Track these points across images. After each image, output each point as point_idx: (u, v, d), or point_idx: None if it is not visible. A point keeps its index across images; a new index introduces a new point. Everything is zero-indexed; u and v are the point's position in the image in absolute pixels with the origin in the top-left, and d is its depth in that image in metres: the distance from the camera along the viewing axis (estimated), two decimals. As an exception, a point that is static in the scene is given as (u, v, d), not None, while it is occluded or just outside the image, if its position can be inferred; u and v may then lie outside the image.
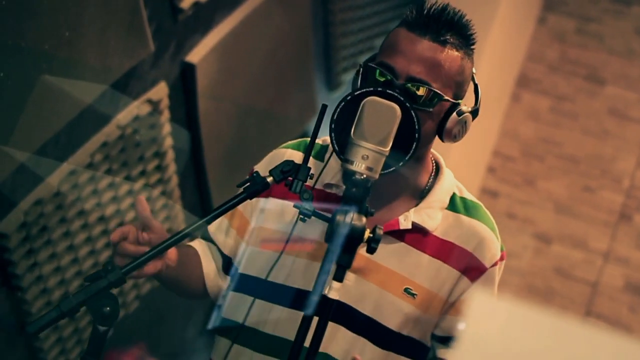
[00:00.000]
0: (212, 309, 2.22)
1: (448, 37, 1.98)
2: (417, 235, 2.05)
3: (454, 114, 1.99)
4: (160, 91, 3.18)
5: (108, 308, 1.76)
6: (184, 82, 3.34)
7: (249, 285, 2.11)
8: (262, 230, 2.10)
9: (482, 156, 5.25)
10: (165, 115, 3.24)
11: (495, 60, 4.83)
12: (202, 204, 3.73)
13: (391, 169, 1.83)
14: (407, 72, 1.94)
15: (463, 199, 2.13)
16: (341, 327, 2.04)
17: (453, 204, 2.11)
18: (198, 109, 3.43)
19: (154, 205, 3.36)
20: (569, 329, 0.99)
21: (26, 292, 2.87)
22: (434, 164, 2.16)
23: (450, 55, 1.99)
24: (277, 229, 2.08)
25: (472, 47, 2.06)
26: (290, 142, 2.20)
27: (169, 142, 3.30)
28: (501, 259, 2.12)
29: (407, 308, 2.03)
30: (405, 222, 2.04)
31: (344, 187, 1.94)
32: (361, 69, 2.00)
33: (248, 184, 1.87)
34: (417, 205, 2.07)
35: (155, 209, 3.36)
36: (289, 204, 1.92)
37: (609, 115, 5.18)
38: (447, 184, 2.12)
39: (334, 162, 2.05)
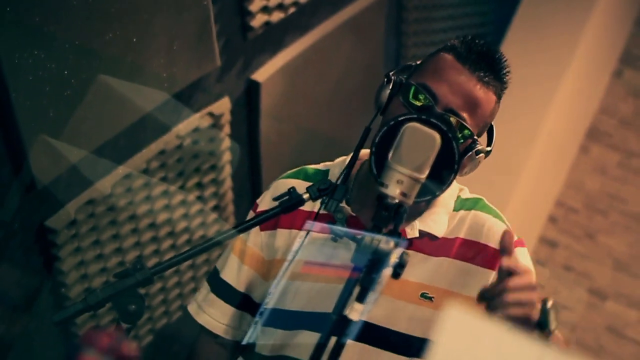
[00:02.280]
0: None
1: (491, 78, 1.98)
2: (426, 241, 2.05)
3: (472, 152, 1.99)
4: (223, 106, 3.22)
5: (133, 306, 1.77)
6: (248, 99, 3.37)
7: (274, 318, 2.12)
8: (276, 262, 2.11)
9: (544, 205, 5.19)
10: (226, 130, 3.27)
11: (566, 110, 4.79)
12: (256, 222, 3.75)
13: (426, 198, 1.83)
14: (447, 102, 1.93)
15: (465, 199, 2.13)
16: (360, 344, 2.03)
17: (456, 206, 2.11)
18: (260, 127, 3.45)
19: (206, 218, 3.38)
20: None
21: (70, 289, 2.91)
22: None
23: (490, 97, 1.99)
24: (297, 259, 2.08)
25: (504, 91, 2.06)
26: (289, 172, 2.22)
27: (227, 156, 3.33)
28: (520, 244, 2.07)
29: (425, 312, 2.02)
30: (412, 231, 2.03)
31: (348, 208, 1.96)
32: (392, 80, 2.00)
33: (285, 197, 1.89)
34: (422, 213, 2.07)
35: (207, 222, 3.39)
36: (297, 233, 1.94)
37: (677, 174, 5.11)
38: (450, 189, 2.11)
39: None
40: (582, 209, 5.23)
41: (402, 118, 1.85)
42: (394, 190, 1.69)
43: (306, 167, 2.19)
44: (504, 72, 2.03)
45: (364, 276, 1.65)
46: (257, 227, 2.12)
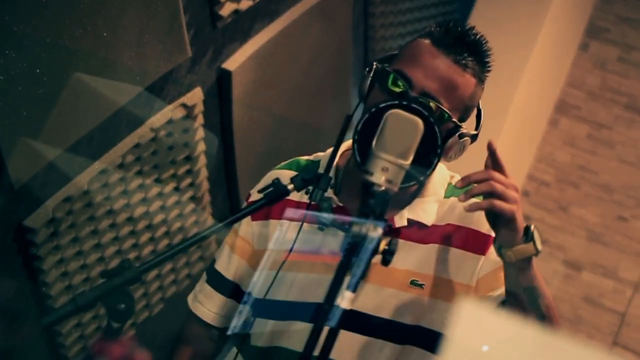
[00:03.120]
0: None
1: (469, 61, 1.99)
2: (415, 229, 2.07)
3: (456, 135, 2.01)
4: (195, 96, 3.21)
5: (123, 305, 1.77)
6: (220, 88, 3.36)
7: (263, 308, 2.13)
8: (268, 252, 2.12)
9: (516, 180, 5.22)
10: (199, 120, 3.26)
11: (535, 84, 4.81)
12: (232, 211, 3.75)
13: (411, 183, 1.84)
14: (422, 86, 1.95)
15: (456, 186, 2.15)
16: (350, 333, 2.04)
17: (447, 193, 2.13)
18: (232, 116, 3.44)
19: (183, 209, 3.38)
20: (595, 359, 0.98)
21: (51, 287, 2.90)
22: None
23: (468, 80, 2.00)
24: (283, 249, 2.09)
25: (487, 74, 2.07)
26: (282, 163, 2.27)
27: (201, 147, 3.32)
28: None
29: (415, 299, 2.04)
30: (400, 220, 2.06)
31: (336, 199, 1.97)
32: (373, 70, 2.02)
33: (269, 189, 1.89)
34: (411, 201, 2.09)
35: (184, 213, 3.38)
36: (289, 224, 1.95)
37: (646, 144, 5.15)
38: (440, 177, 2.14)
39: None
40: (554, 182, 5.27)
41: (383, 105, 1.86)
42: (379, 178, 1.70)
43: (299, 158, 2.21)
44: (484, 54, 2.04)
45: (354, 264, 1.66)
46: (249, 217, 2.15)
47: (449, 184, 2.16)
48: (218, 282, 2.26)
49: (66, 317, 1.76)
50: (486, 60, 2.06)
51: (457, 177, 2.18)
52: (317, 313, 1.66)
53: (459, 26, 2.02)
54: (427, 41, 2.02)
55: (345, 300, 1.66)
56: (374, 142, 1.72)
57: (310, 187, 1.89)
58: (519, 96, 4.64)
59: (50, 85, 2.56)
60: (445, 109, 1.97)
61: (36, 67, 2.49)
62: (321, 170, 2.08)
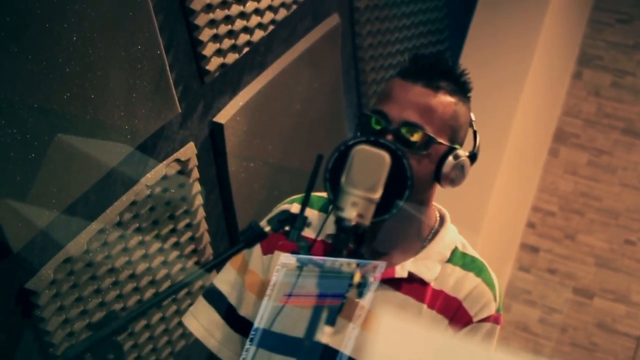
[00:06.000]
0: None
1: (441, 83, 2.03)
2: (415, 285, 2.08)
3: (450, 157, 2.04)
4: (189, 151, 3.26)
5: (112, 356, 1.81)
6: (213, 142, 3.41)
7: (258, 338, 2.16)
8: (267, 283, 2.15)
9: (521, 211, 5.25)
10: (195, 174, 3.31)
11: (531, 115, 4.85)
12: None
13: (384, 216, 1.88)
14: (400, 118, 2.00)
15: (464, 254, 2.16)
16: None
17: (453, 258, 2.14)
18: (228, 167, 3.49)
19: (186, 263, 3.41)
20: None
21: (57, 348, 2.93)
22: (439, 218, 2.20)
23: (443, 100, 2.04)
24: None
25: (468, 94, 2.10)
26: (297, 196, 2.28)
27: (199, 200, 3.37)
28: (495, 320, 2.12)
29: None
30: (401, 271, 2.07)
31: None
32: (358, 120, 2.08)
33: (246, 232, 1.93)
34: (416, 255, 2.11)
35: (187, 267, 3.42)
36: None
37: (647, 167, 5.18)
38: (449, 238, 2.15)
39: None
40: (558, 211, 5.29)
41: (351, 142, 1.92)
42: (350, 213, 1.75)
43: (314, 194, 2.24)
44: (454, 73, 2.08)
45: (331, 299, 1.70)
46: (260, 251, 2.17)
47: (456, 248, 2.17)
48: (216, 299, 2.28)
49: (58, 371, 1.79)
50: (462, 80, 2.10)
51: (468, 245, 2.19)
52: (299, 348, 1.70)
53: (425, 56, 2.08)
54: (397, 78, 2.08)
55: (325, 335, 1.70)
56: (343, 178, 1.77)
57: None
58: (516, 128, 4.68)
59: (41, 149, 2.61)
60: (429, 133, 2.01)
61: (26, 133, 2.54)
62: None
